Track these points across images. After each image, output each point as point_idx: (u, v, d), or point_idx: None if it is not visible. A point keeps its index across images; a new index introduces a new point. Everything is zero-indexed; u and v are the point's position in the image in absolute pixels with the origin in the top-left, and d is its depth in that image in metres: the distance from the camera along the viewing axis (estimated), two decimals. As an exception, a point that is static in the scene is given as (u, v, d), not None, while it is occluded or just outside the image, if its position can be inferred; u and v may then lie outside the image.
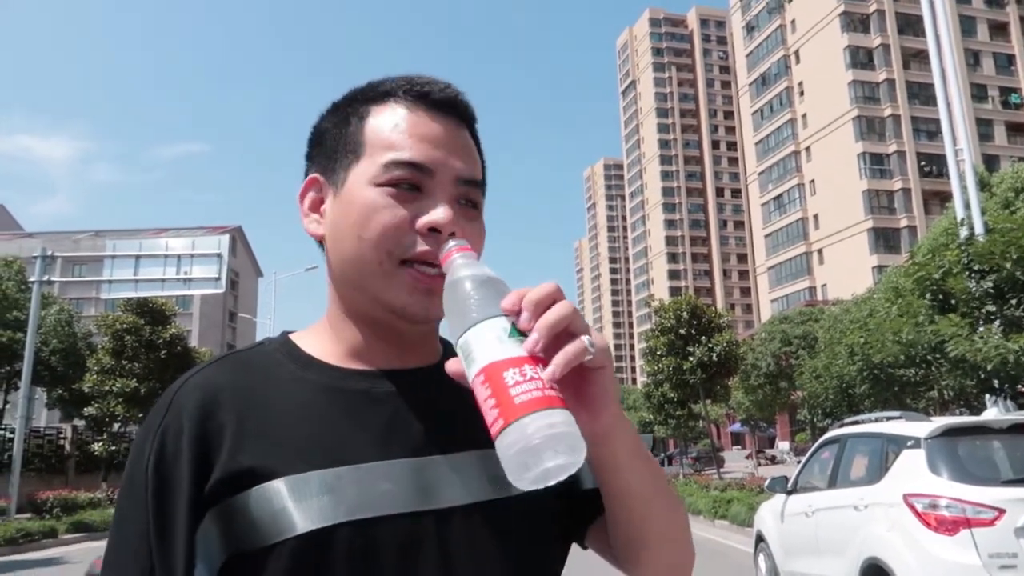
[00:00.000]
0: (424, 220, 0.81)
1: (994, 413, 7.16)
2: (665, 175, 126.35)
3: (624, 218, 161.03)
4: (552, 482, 0.65)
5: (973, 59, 64.11)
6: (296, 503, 0.77)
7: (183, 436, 0.80)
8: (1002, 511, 4.98)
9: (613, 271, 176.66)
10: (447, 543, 0.80)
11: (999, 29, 66.45)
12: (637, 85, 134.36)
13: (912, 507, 5.34)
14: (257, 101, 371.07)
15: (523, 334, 0.68)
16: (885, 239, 62.44)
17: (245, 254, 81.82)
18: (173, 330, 27.73)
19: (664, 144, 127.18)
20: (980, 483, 5.21)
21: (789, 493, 7.76)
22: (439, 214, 0.81)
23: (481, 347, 0.67)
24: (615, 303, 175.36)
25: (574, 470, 0.65)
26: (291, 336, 0.93)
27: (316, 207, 0.91)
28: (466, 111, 0.90)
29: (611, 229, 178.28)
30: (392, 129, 0.84)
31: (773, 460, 46.65)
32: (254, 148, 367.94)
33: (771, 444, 59.21)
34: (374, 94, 0.89)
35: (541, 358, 0.67)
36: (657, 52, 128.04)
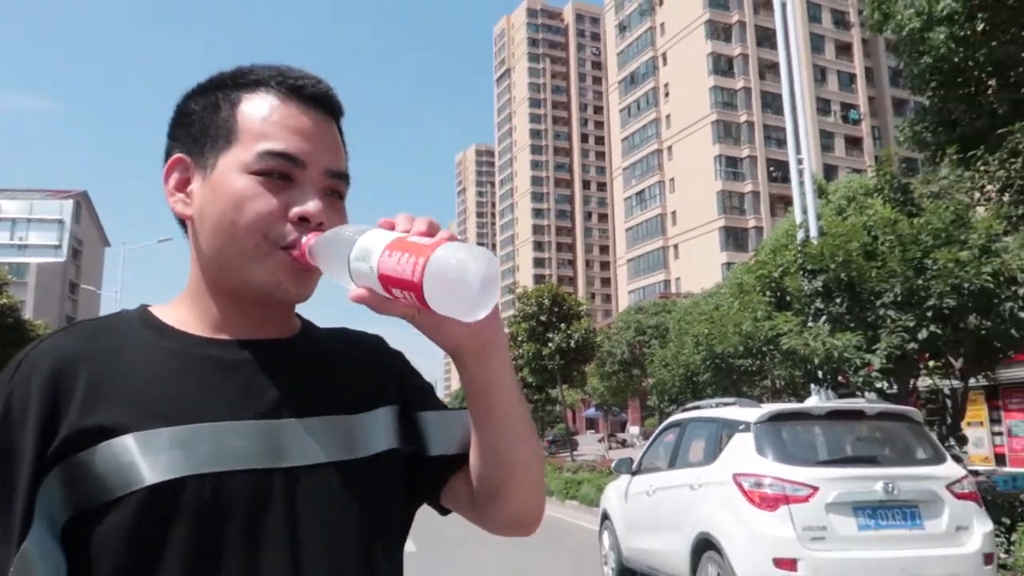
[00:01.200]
0: (297, 210, 0.86)
1: (815, 401, 7.84)
2: (535, 164, 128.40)
3: (494, 204, 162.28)
4: (485, 309, 0.74)
5: (820, 75, 69.17)
6: (145, 457, 0.78)
7: (30, 400, 0.80)
8: (816, 488, 5.48)
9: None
10: (295, 500, 0.83)
11: (844, 49, 72.06)
12: (512, 74, 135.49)
13: (740, 486, 5.77)
14: (112, 62, 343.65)
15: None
16: (735, 238, 66.53)
17: (91, 221, 75.77)
18: (4, 300, 25.36)
19: (535, 134, 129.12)
20: (799, 463, 5.71)
21: (634, 474, 8.17)
22: (311, 206, 0.86)
23: (377, 238, 0.76)
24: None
25: (497, 289, 0.73)
26: (150, 308, 0.95)
27: (182, 187, 0.92)
28: (336, 106, 0.93)
29: (480, 215, 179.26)
30: (265, 119, 0.88)
31: (624, 444, 48.72)
32: (105, 111, 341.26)
33: (623, 428, 61.81)
34: (245, 82, 0.91)
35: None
36: (533, 43, 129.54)
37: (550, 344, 24.07)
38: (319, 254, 0.82)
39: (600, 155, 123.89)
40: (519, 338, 25.62)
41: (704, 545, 6.12)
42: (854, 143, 70.40)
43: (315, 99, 0.91)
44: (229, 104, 0.89)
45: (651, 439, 8.37)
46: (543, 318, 24.79)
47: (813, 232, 10.46)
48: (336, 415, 0.90)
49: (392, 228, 0.79)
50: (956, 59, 9.83)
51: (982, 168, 9.13)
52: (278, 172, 0.86)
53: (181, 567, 0.77)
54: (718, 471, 6.18)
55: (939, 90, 10.32)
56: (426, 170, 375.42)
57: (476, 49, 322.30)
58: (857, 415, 6.27)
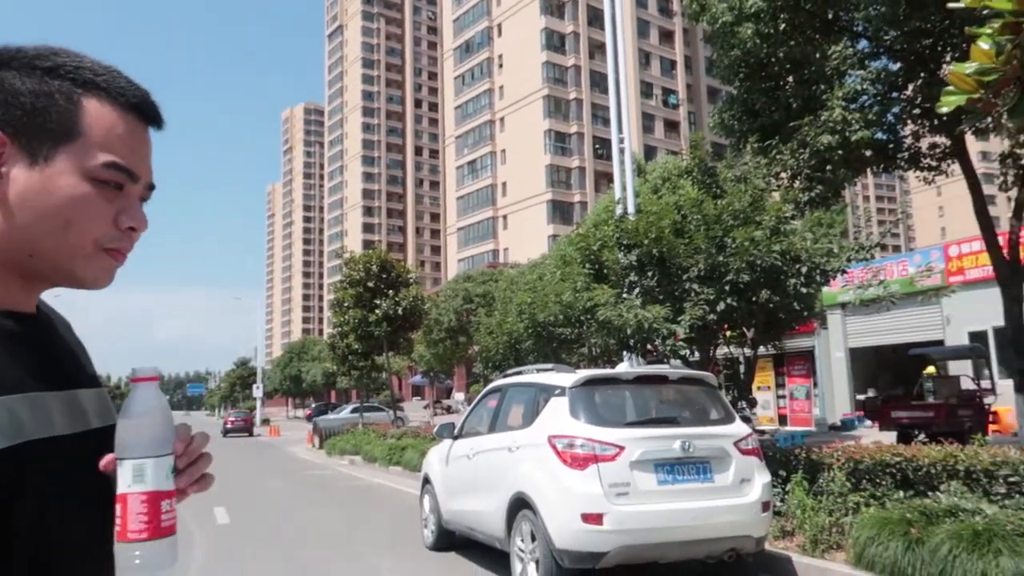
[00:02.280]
0: (128, 222, 0.96)
1: (625, 367, 8.36)
2: (367, 127, 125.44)
3: (322, 166, 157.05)
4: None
5: (645, 59, 72.63)
6: None
7: None
8: (622, 448, 5.88)
9: (307, 219, 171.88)
10: (94, 462, 0.94)
11: (667, 36, 76.05)
12: (344, 31, 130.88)
13: (554, 447, 6.07)
14: None
15: (178, 471, 0.96)
16: (561, 211, 68.87)
17: None
18: None
19: (368, 96, 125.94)
20: (608, 425, 6.09)
21: (455, 438, 8.33)
22: (139, 219, 0.98)
23: (154, 475, 0.92)
24: (307, 252, 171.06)
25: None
26: None
27: None
28: (161, 120, 1.01)
29: (307, 176, 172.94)
30: (110, 131, 0.94)
31: (448, 410, 49.43)
32: None
33: (448, 395, 62.64)
34: (82, 79, 0.94)
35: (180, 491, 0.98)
36: (367, 1, 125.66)
37: (377, 311, 23.81)
38: (136, 409, 0.93)
39: (434, 122, 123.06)
40: (345, 304, 25.14)
41: (519, 504, 6.39)
42: (672, 127, 74.80)
43: (149, 115, 0.99)
44: (67, 99, 0.92)
45: (473, 404, 8.56)
46: (371, 284, 24.44)
47: (631, 208, 11.05)
48: (90, 388, 1.03)
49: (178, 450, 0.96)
50: (761, 54, 10.69)
51: (777, 156, 10.07)
52: (115, 183, 0.94)
53: (24, 530, 0.85)
54: (534, 433, 6.44)
55: (745, 82, 11.18)
56: (249, 125, 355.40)
57: (305, 1, 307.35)
58: (661, 380, 6.78)
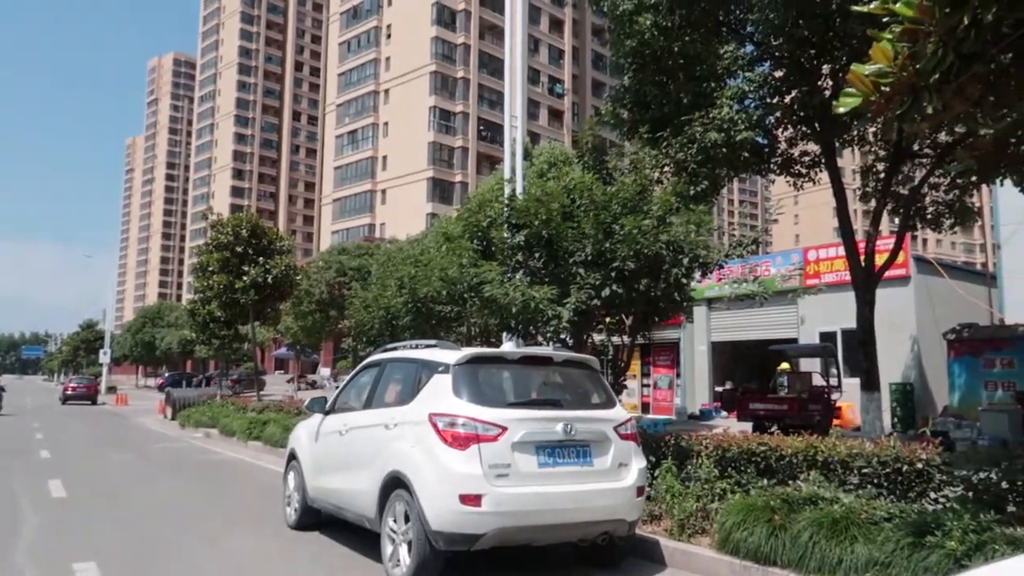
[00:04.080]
0: None
1: (510, 346, 8.24)
2: (242, 86, 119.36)
3: (190, 123, 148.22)
4: None
5: (534, 45, 72.98)
6: None
7: None
8: (504, 428, 5.73)
9: (170, 178, 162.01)
10: None
11: (557, 25, 76.75)
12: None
13: (435, 425, 5.84)
14: None
15: None
16: (441, 190, 68.27)
17: None
18: None
19: (245, 53, 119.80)
20: (491, 404, 5.92)
21: (327, 413, 7.94)
22: None
23: None
24: (168, 212, 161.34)
25: None
26: None
27: None
28: None
29: (173, 132, 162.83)
30: None
31: (313, 385, 48.09)
32: None
33: (314, 370, 60.94)
34: None
35: None
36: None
37: (244, 278, 22.61)
38: None
39: (314, 87, 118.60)
40: (210, 268, 23.74)
41: (394, 483, 6.12)
42: (556, 115, 75.73)
43: None
44: None
45: (348, 378, 8.19)
46: (239, 249, 23.17)
47: (519, 189, 10.94)
48: None
49: None
50: (656, 46, 10.82)
51: (666, 149, 10.25)
52: None
53: None
54: (414, 411, 6.19)
55: (639, 72, 11.29)
56: (111, 69, 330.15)
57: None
58: (546, 361, 6.68)
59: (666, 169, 11.06)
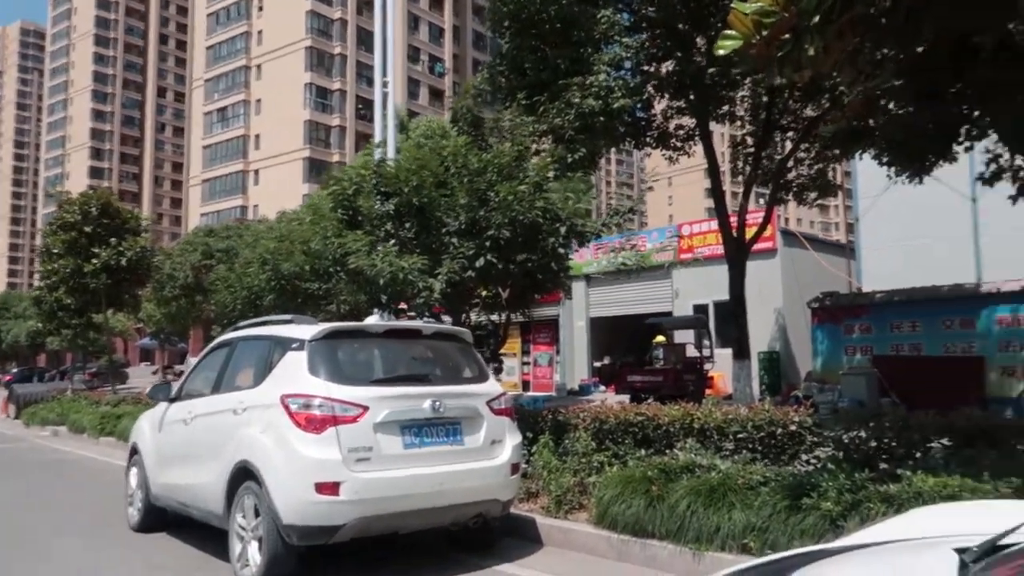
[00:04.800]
0: None
1: (375, 319, 7.70)
2: (99, 59, 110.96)
3: (40, 97, 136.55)
4: None
5: (414, 23, 71.51)
6: None
7: None
8: (366, 408, 5.21)
9: (19, 157, 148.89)
10: None
11: (437, 3, 75.41)
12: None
13: (287, 408, 5.24)
14: None
15: None
16: (318, 170, 65.72)
17: None
18: None
19: (103, 23, 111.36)
20: (352, 383, 5.38)
21: (172, 401, 7.15)
22: None
23: None
24: (17, 195, 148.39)
25: None
26: None
27: None
28: None
29: (22, 107, 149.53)
30: None
31: (180, 375, 45.43)
32: None
33: (182, 360, 57.64)
34: None
35: None
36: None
37: (94, 260, 20.73)
38: None
39: (181, 62, 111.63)
40: (55, 251, 21.67)
41: (243, 475, 5.49)
42: (437, 95, 74.59)
43: None
44: None
45: (196, 361, 7.40)
46: (88, 229, 21.22)
47: (391, 154, 10.34)
48: None
49: None
50: (532, 10, 10.45)
51: (543, 115, 9.92)
52: None
53: None
54: (265, 393, 5.56)
55: (516, 37, 10.90)
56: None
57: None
58: (414, 334, 6.18)
59: (543, 137, 10.73)
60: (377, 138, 11.60)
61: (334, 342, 5.64)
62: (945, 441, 5.41)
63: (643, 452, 6.95)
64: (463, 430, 5.67)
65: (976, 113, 8.91)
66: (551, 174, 8.68)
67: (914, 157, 9.80)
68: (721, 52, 4.34)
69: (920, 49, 5.21)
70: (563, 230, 8.48)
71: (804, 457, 6.22)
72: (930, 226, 16.94)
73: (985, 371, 12.72)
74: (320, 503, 5.01)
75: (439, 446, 5.52)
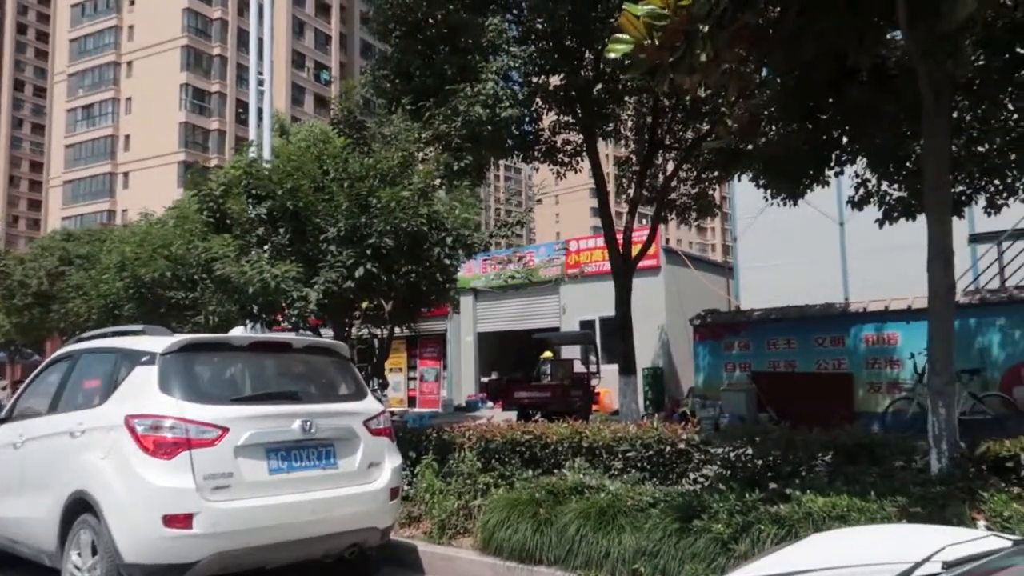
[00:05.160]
0: None
1: (240, 331, 7.08)
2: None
3: None
4: None
5: (299, 28, 69.57)
6: None
7: None
8: (225, 430, 4.66)
9: None
10: None
11: (323, 9, 73.73)
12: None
13: (132, 430, 4.62)
14: None
15: None
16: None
17: None
18: None
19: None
20: (210, 401, 4.81)
21: (3, 421, 6.27)
22: None
23: None
24: None
25: None
26: None
27: None
28: None
29: None
30: None
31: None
32: None
33: (37, 375, 53.12)
34: None
35: None
36: None
37: (-71, 264, 18.59)
38: None
39: (41, 55, 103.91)
40: None
41: (79, 506, 4.80)
42: (323, 103, 72.66)
43: None
44: None
45: (31, 377, 6.55)
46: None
47: (267, 155, 9.71)
48: None
49: None
50: (419, 14, 10.11)
51: (429, 121, 9.56)
52: None
53: None
54: (108, 413, 4.90)
55: (401, 41, 10.51)
56: None
57: None
58: (283, 348, 5.65)
59: (429, 145, 10.37)
60: (251, 129, 10.92)
61: (190, 356, 5.05)
62: (828, 458, 5.42)
63: (531, 472, 6.66)
64: (337, 452, 5.20)
65: (846, 140, 9.30)
66: (437, 182, 8.33)
67: (790, 179, 10.10)
68: (612, 55, 4.15)
69: (803, 66, 5.25)
70: (449, 240, 8.13)
71: (692, 476, 6.12)
72: (802, 247, 17.72)
73: (854, 387, 13.30)
74: (169, 538, 4.42)
75: (310, 471, 5.03)
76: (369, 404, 5.62)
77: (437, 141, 9.50)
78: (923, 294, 12.93)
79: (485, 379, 22.98)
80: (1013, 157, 9.04)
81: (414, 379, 24.81)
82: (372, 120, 9.91)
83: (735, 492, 4.93)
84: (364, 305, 9.21)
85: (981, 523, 3.89)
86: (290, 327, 8.27)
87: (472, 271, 22.32)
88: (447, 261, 8.30)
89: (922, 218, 10.11)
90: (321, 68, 72.23)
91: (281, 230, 8.05)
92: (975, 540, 2.32)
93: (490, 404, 20.72)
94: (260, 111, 11.03)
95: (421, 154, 9.93)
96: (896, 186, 9.91)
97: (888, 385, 13.03)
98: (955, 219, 6.62)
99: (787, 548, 2.90)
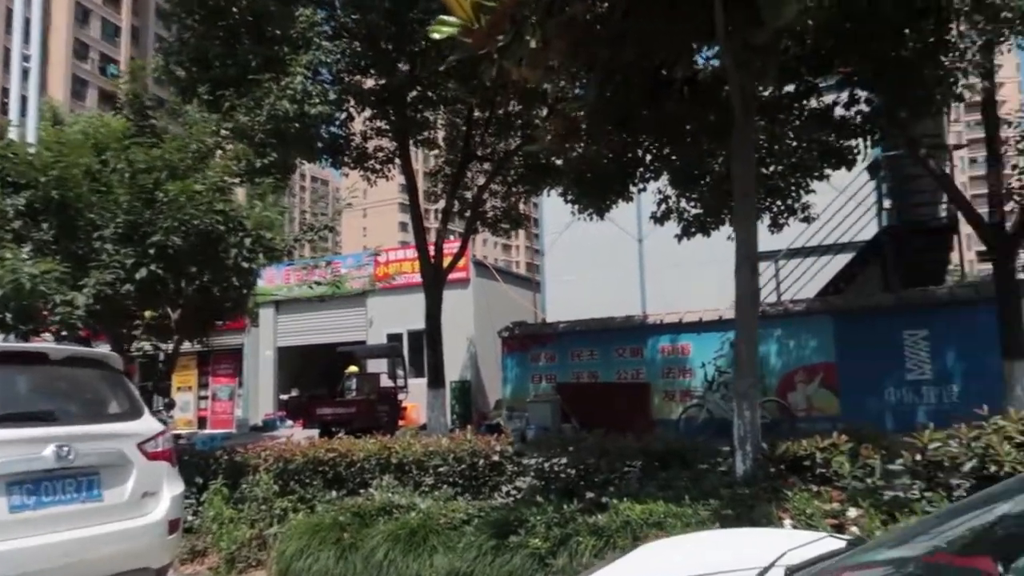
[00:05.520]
0: None
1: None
2: None
3: None
4: None
5: (83, 16, 63.23)
6: None
7: None
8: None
9: None
10: None
11: (112, -3, 67.50)
12: None
13: None
14: None
15: None
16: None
17: None
18: None
19: None
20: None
21: None
22: None
23: None
24: None
25: None
26: None
27: None
28: None
29: None
30: None
31: None
32: None
33: None
34: None
35: None
36: None
37: None
38: None
39: None
40: None
41: None
42: (108, 98, 66.30)
43: None
44: None
45: None
46: None
47: (31, 137, 8.44)
48: None
49: None
50: (220, 0, 9.29)
51: (229, 112, 8.75)
52: None
53: None
54: None
55: (199, 26, 9.60)
56: None
57: None
58: (38, 359, 4.74)
59: (228, 141, 9.52)
60: (12, 110, 9.48)
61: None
62: (639, 465, 5.43)
63: (334, 494, 6.16)
64: (103, 482, 4.41)
65: (650, 158, 9.71)
66: (237, 179, 7.60)
67: (597, 195, 10.39)
68: (436, 36, 3.87)
69: (624, 70, 5.30)
70: (248, 241, 7.42)
71: (506, 488, 5.92)
72: (605, 262, 18.45)
73: (651, 396, 13.94)
74: None
75: (67, 505, 4.21)
76: (146, 424, 4.85)
77: (238, 135, 8.70)
78: (713, 307, 13.95)
79: (285, 396, 21.73)
80: (793, 180, 9.88)
81: (205, 398, 22.98)
82: (164, 109, 8.91)
83: (552, 504, 4.77)
84: (148, 314, 8.19)
85: (787, 522, 3.99)
86: (53, 337, 7.15)
87: (274, 281, 21.09)
88: (245, 264, 7.55)
89: (716, 235, 10.86)
90: (108, 62, 65.95)
91: (44, 224, 6.94)
92: (813, 543, 2.25)
93: (290, 423, 19.60)
94: (24, 99, 9.61)
95: (220, 148, 9.07)
96: (693, 204, 10.51)
97: (681, 393, 13.78)
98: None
99: (616, 563, 2.72)
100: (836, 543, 2.22)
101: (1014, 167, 11.14)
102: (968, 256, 19.33)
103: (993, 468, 4.14)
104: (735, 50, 4.61)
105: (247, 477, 6.54)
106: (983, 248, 9.84)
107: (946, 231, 15.58)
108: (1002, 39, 7.31)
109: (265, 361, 22.77)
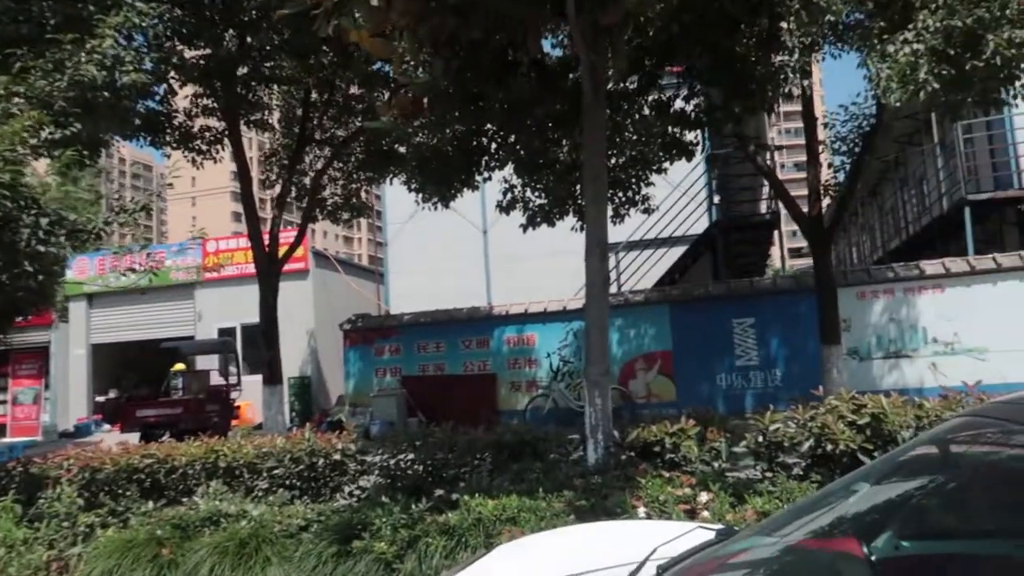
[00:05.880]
0: None
1: None
2: None
3: None
4: None
5: None
6: None
7: None
8: None
9: None
10: None
11: None
12: None
13: None
14: None
15: None
16: None
17: None
18: None
19: None
20: None
21: None
22: None
23: None
24: None
25: None
26: None
27: None
28: None
29: None
30: None
31: None
32: None
33: None
34: None
35: None
36: None
37: None
38: None
39: None
40: None
41: None
42: None
43: None
44: None
45: None
46: None
47: None
48: None
49: None
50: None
51: (21, 75, 7.64)
52: None
53: None
54: None
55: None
56: None
57: None
58: None
59: (18, 101, 8.32)
60: None
61: None
62: (490, 457, 5.23)
63: (152, 505, 5.49)
64: None
65: (495, 146, 9.57)
66: (32, 144, 6.62)
67: (441, 182, 10.12)
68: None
69: (472, 47, 5.06)
70: (45, 222, 6.48)
71: (348, 489, 5.53)
72: (450, 253, 18.22)
73: (497, 387, 13.87)
74: None
75: None
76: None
77: (35, 102, 7.60)
78: (558, 298, 14.11)
79: (101, 398, 19.81)
80: (634, 173, 10.08)
81: (4, 402, 20.51)
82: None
83: (399, 503, 4.45)
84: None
85: (641, 510, 3.91)
86: None
87: (86, 272, 19.15)
88: (41, 248, 6.59)
89: (560, 226, 10.91)
90: None
91: None
92: (683, 536, 2.11)
93: (107, 427, 17.88)
94: None
95: (10, 116, 7.90)
96: (538, 194, 10.48)
97: (527, 384, 13.82)
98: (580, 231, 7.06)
99: (472, 567, 2.46)
100: (707, 534, 2.11)
101: (830, 165, 11.99)
102: (784, 252, 20.91)
103: (829, 447, 4.28)
104: (584, 29, 4.50)
105: (46, 491, 5.71)
106: (797, 246, 10.55)
107: (767, 227, 16.68)
108: (817, 47, 7.77)
109: (76, 360, 20.63)
